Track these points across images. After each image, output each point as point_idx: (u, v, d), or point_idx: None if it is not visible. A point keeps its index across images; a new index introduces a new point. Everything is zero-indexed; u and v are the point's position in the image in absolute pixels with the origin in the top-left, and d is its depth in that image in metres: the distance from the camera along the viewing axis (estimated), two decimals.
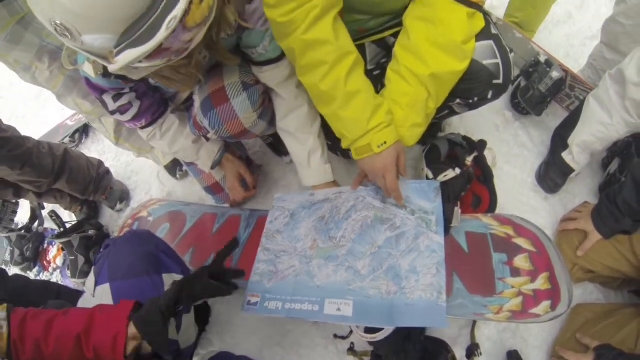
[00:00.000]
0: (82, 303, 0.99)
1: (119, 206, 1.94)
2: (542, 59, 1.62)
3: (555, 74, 1.55)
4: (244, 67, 1.18)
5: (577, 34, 2.13)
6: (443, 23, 0.96)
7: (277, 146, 1.62)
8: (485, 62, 1.04)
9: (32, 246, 2.00)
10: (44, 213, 2.05)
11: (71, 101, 1.50)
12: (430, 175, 1.28)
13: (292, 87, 1.17)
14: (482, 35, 1.03)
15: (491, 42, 1.04)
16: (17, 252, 1.97)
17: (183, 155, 1.37)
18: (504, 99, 1.73)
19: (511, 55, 1.08)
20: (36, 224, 2.04)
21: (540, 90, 1.57)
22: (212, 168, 1.39)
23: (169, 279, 0.98)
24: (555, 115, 1.71)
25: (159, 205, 1.65)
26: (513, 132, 1.69)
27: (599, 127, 1.31)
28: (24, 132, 1.62)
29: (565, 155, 1.45)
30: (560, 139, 1.49)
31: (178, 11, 0.66)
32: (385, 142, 1.02)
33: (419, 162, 1.42)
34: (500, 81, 1.07)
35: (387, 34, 1.17)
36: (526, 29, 1.89)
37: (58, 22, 0.66)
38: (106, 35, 0.67)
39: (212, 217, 1.51)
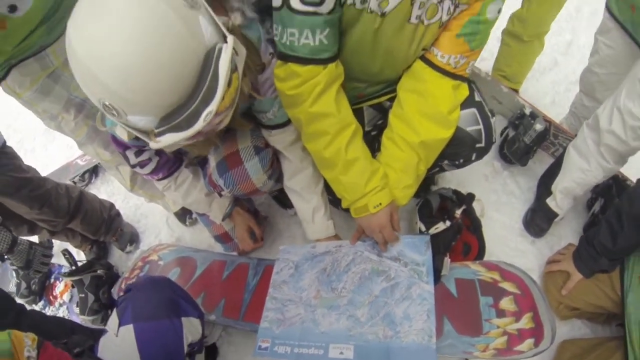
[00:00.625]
0: (104, 341, 1.06)
1: (128, 248, 2.04)
2: (527, 111, 1.77)
3: (539, 126, 1.69)
4: (255, 130, 1.31)
5: (563, 80, 2.28)
6: (431, 96, 1.12)
7: (282, 199, 1.75)
8: (468, 129, 1.18)
9: (38, 280, 2.04)
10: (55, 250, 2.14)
11: (92, 149, 1.61)
12: (423, 228, 1.41)
13: (299, 150, 1.29)
14: (467, 103, 1.18)
15: (474, 110, 1.19)
16: (23, 284, 2.00)
17: (196, 207, 1.48)
18: (493, 150, 1.87)
19: (492, 120, 1.22)
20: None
21: (525, 141, 1.71)
22: (223, 220, 1.50)
23: (188, 323, 1.08)
24: (542, 162, 1.84)
25: (169, 250, 1.76)
26: (502, 181, 1.83)
27: (578, 173, 1.43)
28: (32, 165, 1.71)
29: (549, 201, 1.57)
30: (544, 186, 1.62)
31: (213, 106, 0.76)
32: (380, 204, 1.16)
33: (413, 215, 1.55)
34: (482, 145, 1.22)
35: (383, 99, 1.32)
36: (513, 82, 2.05)
37: (107, 103, 0.75)
38: (149, 118, 0.78)
39: (221, 264, 1.62)
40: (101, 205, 1.96)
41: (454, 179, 1.79)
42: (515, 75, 2.04)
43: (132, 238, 2.06)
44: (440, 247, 1.30)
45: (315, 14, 0.95)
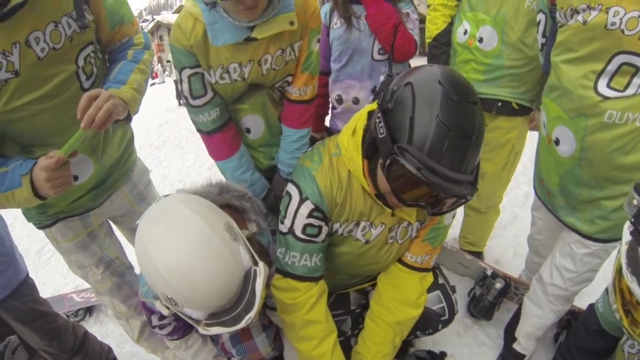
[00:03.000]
0: None
1: None
2: (489, 272, 2.15)
3: (498, 285, 2.06)
4: (261, 311, 1.59)
5: (523, 231, 2.67)
6: (403, 287, 1.48)
7: None
8: (434, 308, 1.54)
9: None
10: None
11: (108, 300, 1.84)
12: None
13: None
14: (432, 287, 1.54)
15: (438, 291, 1.55)
16: None
17: None
18: (462, 309, 2.22)
19: (454, 296, 1.58)
20: None
21: (489, 299, 2.06)
22: None
23: None
24: (509, 311, 2.13)
25: None
26: (473, 334, 2.13)
27: (535, 319, 1.76)
28: None
29: (515, 346, 1.87)
30: (509, 334, 1.93)
31: (252, 314, 1.05)
32: None
33: None
34: (446, 317, 1.57)
35: (365, 285, 1.69)
36: (477, 245, 2.48)
37: (169, 296, 0.99)
38: (201, 312, 1.06)
39: None
40: (101, 348, 2.13)
41: (429, 339, 2.05)
42: (477, 240, 2.47)
43: None
44: None
45: (313, 242, 1.32)
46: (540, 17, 1.47)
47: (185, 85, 1.48)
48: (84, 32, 1.26)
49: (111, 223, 1.84)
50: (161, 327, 1.51)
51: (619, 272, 1.10)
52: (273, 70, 1.48)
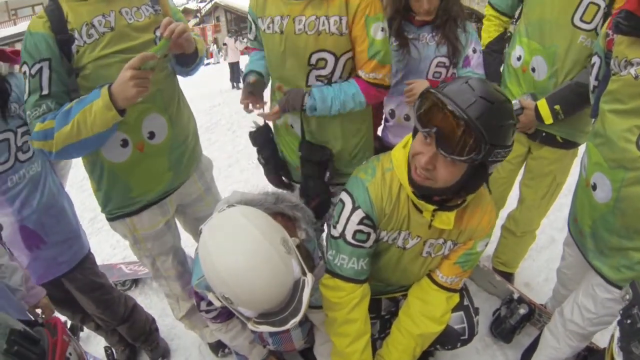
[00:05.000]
0: None
1: None
2: (515, 296, 2.25)
3: (522, 311, 2.17)
4: None
5: (557, 257, 2.58)
6: (430, 303, 1.63)
7: (306, 354, 2.14)
8: (456, 327, 1.67)
9: None
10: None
11: (165, 283, 2.06)
12: None
13: None
14: (457, 307, 1.67)
15: (462, 312, 1.69)
16: None
17: (239, 349, 1.88)
18: (485, 326, 2.33)
19: (476, 319, 1.71)
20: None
21: (511, 323, 2.17)
22: None
23: None
24: (530, 336, 2.23)
25: None
26: (491, 353, 2.23)
27: (550, 350, 1.85)
28: None
29: None
30: (526, 359, 2.03)
31: (297, 319, 1.21)
32: None
33: None
34: (465, 337, 1.70)
35: (397, 294, 1.85)
36: (509, 267, 2.58)
37: (226, 296, 1.15)
38: (252, 311, 1.23)
39: None
40: (146, 318, 2.37)
41: (448, 352, 2.15)
42: (510, 261, 2.57)
43: (164, 353, 2.43)
44: None
45: (361, 247, 1.49)
46: (595, 59, 1.52)
47: None
48: (157, 15, 1.63)
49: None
50: (207, 312, 1.70)
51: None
52: (305, 34, 1.63)
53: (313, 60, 1.68)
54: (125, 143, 1.62)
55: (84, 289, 1.98)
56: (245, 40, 10.45)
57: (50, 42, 1.43)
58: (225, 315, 1.73)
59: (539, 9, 1.86)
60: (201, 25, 35.66)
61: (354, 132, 1.89)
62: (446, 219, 1.40)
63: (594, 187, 1.50)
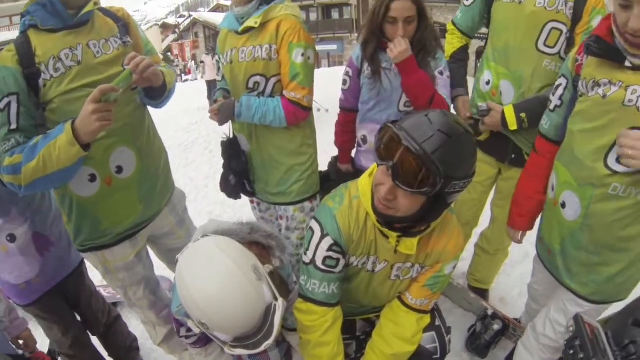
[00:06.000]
0: None
1: None
2: (490, 312, 2.33)
3: (496, 326, 2.25)
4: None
5: (530, 271, 2.70)
6: (401, 325, 1.69)
7: None
8: (428, 346, 1.74)
9: None
10: None
11: (141, 311, 2.10)
12: None
13: None
14: (429, 327, 1.74)
15: (433, 333, 1.75)
16: None
17: None
18: (462, 343, 2.42)
19: (447, 338, 1.77)
20: None
21: (486, 338, 2.25)
22: None
23: None
24: (505, 350, 2.33)
25: None
26: None
27: None
28: None
29: None
30: None
31: (270, 341, 1.28)
32: None
33: None
34: (438, 356, 1.76)
35: (371, 315, 1.92)
36: (483, 283, 2.67)
37: (202, 322, 1.21)
38: (227, 336, 1.29)
39: None
40: (128, 332, 2.42)
41: None
42: (484, 278, 2.67)
43: None
44: None
45: (331, 272, 1.55)
46: (562, 81, 1.60)
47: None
48: (126, 47, 1.68)
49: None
50: (187, 337, 1.73)
51: None
52: (245, 62, 1.96)
53: (250, 84, 2.00)
54: (93, 178, 1.65)
55: (79, 289, 2.09)
56: None
57: (18, 76, 1.46)
58: (204, 340, 1.77)
59: (504, 35, 1.96)
60: (180, 41, 35.75)
61: (293, 153, 2.13)
62: (410, 245, 1.46)
63: (563, 206, 1.59)
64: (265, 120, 1.97)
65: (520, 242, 1.98)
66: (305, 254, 1.59)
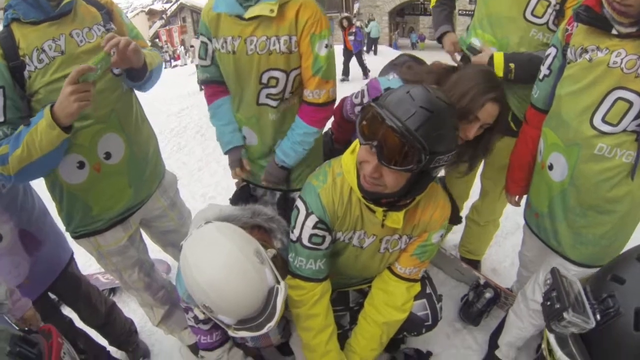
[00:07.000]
0: None
1: None
2: (482, 281, 2.40)
3: (488, 295, 2.31)
4: None
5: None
6: (391, 293, 1.75)
7: (282, 349, 2.23)
8: (419, 314, 1.80)
9: None
10: None
11: (137, 293, 2.15)
12: None
13: None
14: (420, 295, 1.80)
15: (424, 300, 1.82)
16: None
17: None
18: (455, 312, 2.49)
19: (439, 305, 1.84)
20: None
21: (478, 306, 2.32)
22: None
23: None
24: (497, 318, 2.38)
25: None
26: (461, 337, 2.38)
27: (516, 330, 1.99)
28: None
29: (497, 352, 2.11)
30: (493, 341, 2.18)
31: (272, 323, 1.33)
32: None
33: None
34: (429, 323, 1.83)
35: (363, 286, 1.97)
36: (475, 254, 2.74)
37: (207, 305, 1.27)
38: (230, 319, 1.29)
39: None
40: (125, 318, 2.46)
41: (420, 339, 2.26)
42: (476, 249, 2.73)
43: (144, 353, 2.51)
44: None
45: (317, 249, 1.60)
46: (552, 50, 1.64)
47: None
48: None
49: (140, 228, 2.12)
50: (205, 322, 1.72)
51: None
52: (257, 54, 1.75)
53: (264, 79, 1.81)
54: (81, 165, 1.67)
55: (75, 286, 2.09)
56: None
57: (2, 70, 1.48)
58: (219, 330, 1.76)
59: (492, 3, 1.98)
60: (167, 27, 35.28)
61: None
62: (396, 218, 1.50)
63: (551, 167, 1.65)
64: (306, 147, 1.90)
65: (518, 204, 2.02)
66: (292, 232, 1.63)
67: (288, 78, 1.81)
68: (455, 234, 2.92)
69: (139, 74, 1.72)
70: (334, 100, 1.89)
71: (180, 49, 25.62)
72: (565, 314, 1.30)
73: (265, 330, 1.32)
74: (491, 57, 1.90)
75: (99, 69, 1.42)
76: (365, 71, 11.65)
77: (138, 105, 1.89)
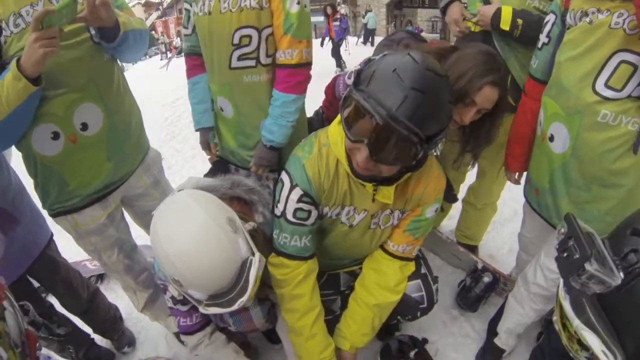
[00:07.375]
0: None
1: (126, 349, 2.40)
2: (479, 266, 2.32)
3: (486, 279, 2.23)
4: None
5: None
6: (384, 273, 1.66)
7: (270, 336, 2.20)
8: (413, 295, 1.71)
9: None
10: None
11: (118, 276, 2.09)
12: None
13: None
14: (414, 275, 1.71)
15: (419, 281, 1.73)
16: None
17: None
18: (451, 299, 2.41)
19: (434, 287, 1.75)
20: None
21: (476, 292, 2.24)
22: None
23: None
24: (495, 306, 2.27)
25: None
26: (458, 325, 2.31)
27: (516, 316, 1.91)
28: None
29: (496, 340, 2.03)
30: (492, 328, 2.10)
31: (245, 298, 1.25)
32: None
33: (376, 356, 2.01)
34: (425, 305, 1.74)
35: (355, 268, 1.87)
36: (473, 240, 2.66)
37: (176, 278, 1.19)
38: (201, 294, 1.27)
39: None
40: (109, 304, 2.38)
41: (415, 325, 2.17)
42: (473, 234, 2.65)
43: (130, 341, 2.45)
44: None
45: (303, 225, 1.51)
46: (550, 17, 1.57)
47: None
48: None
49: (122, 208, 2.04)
50: (183, 303, 1.64)
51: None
52: (229, 11, 1.69)
53: (236, 39, 1.74)
54: (56, 136, 1.59)
55: (53, 269, 2.01)
56: None
57: None
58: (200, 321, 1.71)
59: None
60: (163, 18, 35.08)
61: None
62: (387, 193, 1.43)
63: (552, 139, 1.58)
64: (292, 117, 1.81)
65: (518, 182, 1.95)
66: (277, 206, 1.55)
67: (260, 36, 1.73)
68: (452, 220, 2.83)
69: (111, 34, 1.62)
70: (309, 63, 1.81)
71: (177, 40, 25.45)
72: (587, 265, 1.08)
73: (236, 306, 1.24)
74: (499, 9, 1.80)
75: (64, 15, 1.34)
76: (340, 63, 10.67)
77: (120, 76, 1.80)
